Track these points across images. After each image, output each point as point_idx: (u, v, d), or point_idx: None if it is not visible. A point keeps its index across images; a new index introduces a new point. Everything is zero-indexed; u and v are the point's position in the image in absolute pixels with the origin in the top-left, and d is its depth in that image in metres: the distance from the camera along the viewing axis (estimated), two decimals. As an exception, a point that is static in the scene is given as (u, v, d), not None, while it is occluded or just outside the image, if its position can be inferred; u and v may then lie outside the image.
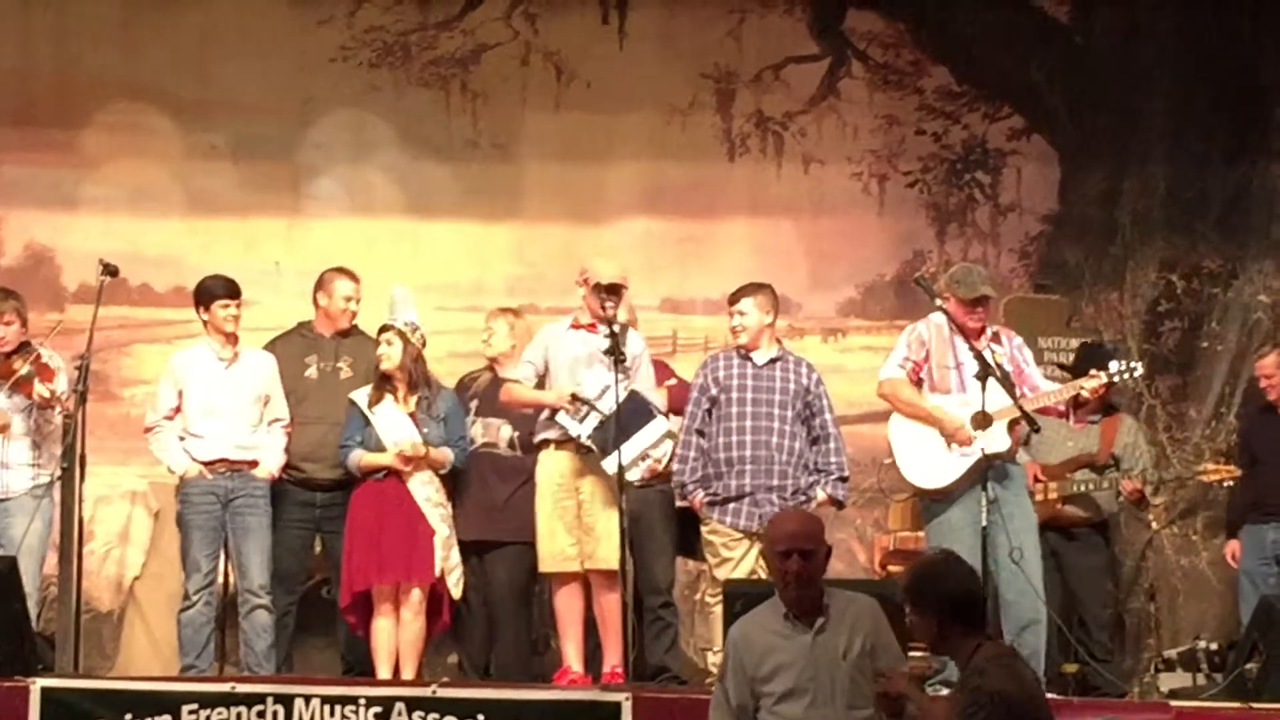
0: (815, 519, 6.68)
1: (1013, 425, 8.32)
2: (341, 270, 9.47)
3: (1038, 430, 8.39)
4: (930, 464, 8.42)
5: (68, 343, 9.31)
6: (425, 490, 8.78)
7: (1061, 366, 10.15)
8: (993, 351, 8.35)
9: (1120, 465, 9.68)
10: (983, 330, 8.44)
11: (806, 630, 6.37)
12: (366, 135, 11.35)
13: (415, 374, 8.88)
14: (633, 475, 8.47)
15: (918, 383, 8.50)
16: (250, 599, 8.83)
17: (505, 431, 9.16)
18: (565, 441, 8.59)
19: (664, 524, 8.96)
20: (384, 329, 8.92)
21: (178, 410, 8.95)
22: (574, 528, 8.56)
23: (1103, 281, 11.23)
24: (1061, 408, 8.69)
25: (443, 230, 11.35)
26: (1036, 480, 9.45)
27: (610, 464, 8.38)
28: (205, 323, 9.02)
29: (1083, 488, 9.58)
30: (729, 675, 6.51)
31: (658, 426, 8.53)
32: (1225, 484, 9.83)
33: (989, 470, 8.19)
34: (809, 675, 6.26)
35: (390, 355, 8.85)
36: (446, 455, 8.86)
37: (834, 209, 11.41)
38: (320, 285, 9.43)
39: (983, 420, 8.24)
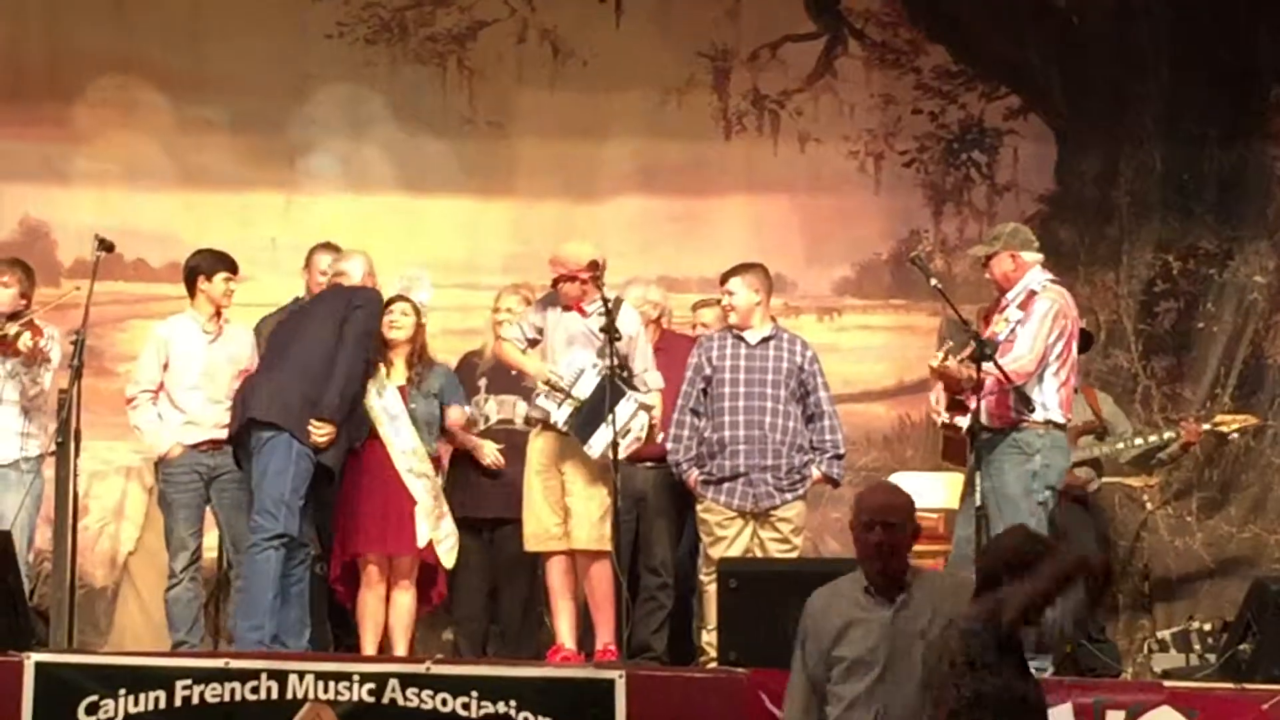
0: (905, 494, 6.42)
1: (952, 406, 8.30)
2: (325, 245, 9.49)
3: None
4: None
5: (63, 317, 9.28)
6: (408, 461, 8.77)
7: None
8: (1003, 320, 8.34)
9: (1111, 432, 9.68)
10: (1003, 293, 8.43)
11: (887, 606, 6.15)
12: (362, 111, 11.32)
13: (415, 349, 8.90)
14: (618, 454, 8.47)
15: None
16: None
17: (521, 408, 9.13)
18: (549, 420, 8.58)
19: (669, 506, 8.97)
20: (397, 299, 8.94)
21: (162, 387, 8.93)
22: (559, 507, 8.54)
23: (1099, 262, 11.21)
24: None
25: (438, 207, 11.34)
26: None
27: (590, 449, 8.38)
28: (197, 293, 8.99)
29: (1089, 452, 9.59)
30: (803, 644, 6.34)
31: (630, 402, 8.50)
32: (1244, 433, 9.86)
33: (982, 439, 8.19)
34: (885, 652, 6.07)
35: (404, 325, 8.90)
36: (461, 417, 8.98)
37: (830, 188, 11.40)
38: (306, 261, 9.49)
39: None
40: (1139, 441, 9.67)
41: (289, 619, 8.43)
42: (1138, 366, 10.88)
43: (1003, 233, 8.59)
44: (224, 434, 8.80)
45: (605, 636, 8.49)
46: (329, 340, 8.58)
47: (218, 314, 9.00)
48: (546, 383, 8.46)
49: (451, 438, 9.08)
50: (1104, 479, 9.93)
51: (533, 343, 8.69)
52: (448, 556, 8.79)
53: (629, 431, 8.45)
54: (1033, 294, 8.37)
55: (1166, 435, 9.75)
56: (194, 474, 8.84)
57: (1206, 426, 9.89)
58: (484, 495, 9.05)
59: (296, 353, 8.59)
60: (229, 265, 9.02)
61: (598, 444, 8.36)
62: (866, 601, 6.20)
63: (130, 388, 9.06)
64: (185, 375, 8.91)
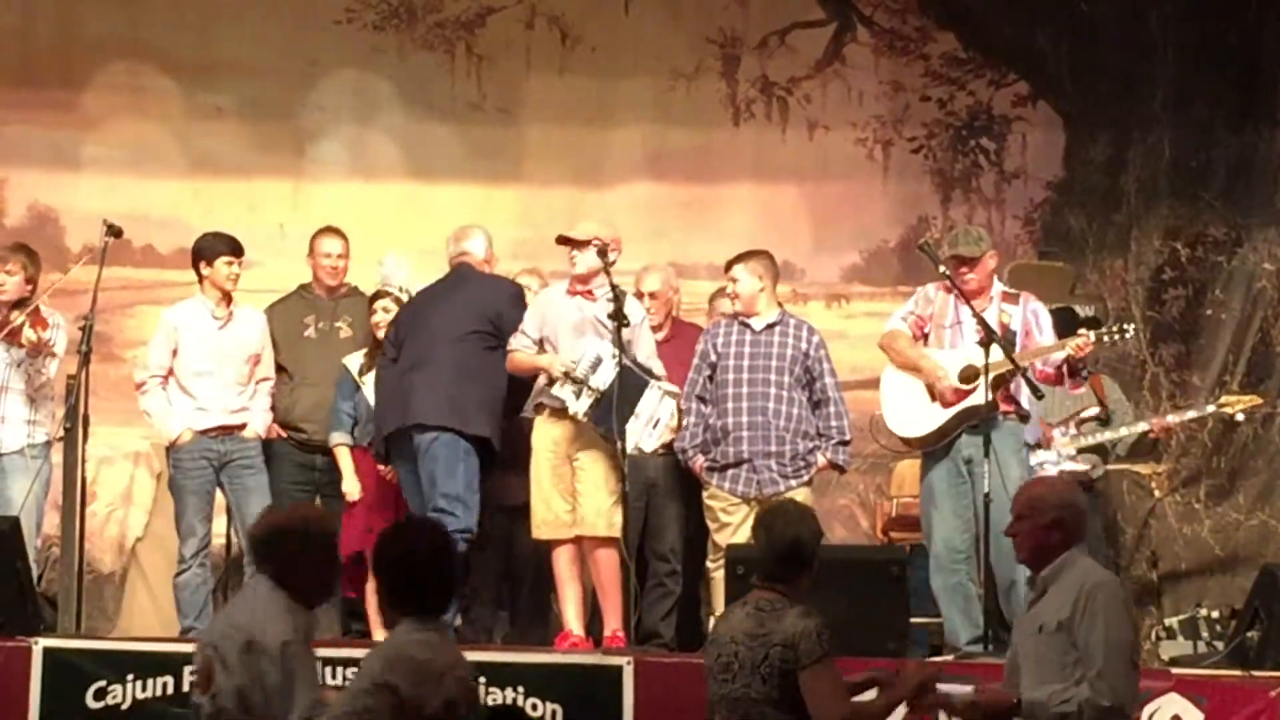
0: (1056, 488, 6.28)
1: (999, 382, 8.24)
2: (328, 229, 9.48)
3: (1039, 395, 8.32)
4: (911, 414, 8.48)
5: (71, 303, 9.30)
6: None
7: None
8: (1001, 312, 8.35)
9: (1113, 421, 9.69)
10: (981, 291, 8.42)
11: (1033, 598, 6.15)
12: (370, 97, 11.35)
13: None
14: (650, 445, 8.51)
15: (922, 338, 8.53)
16: None
17: None
18: (561, 409, 8.56)
19: (679, 493, 8.96)
20: (380, 295, 8.93)
21: (171, 372, 8.92)
22: (569, 494, 8.53)
23: (1107, 249, 11.22)
24: (1049, 371, 8.46)
25: (446, 193, 11.33)
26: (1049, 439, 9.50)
27: (627, 442, 8.34)
28: (203, 278, 8.98)
29: (1093, 438, 9.58)
30: None
31: (654, 391, 8.50)
32: (1248, 415, 9.81)
33: (972, 426, 8.20)
34: (1018, 643, 6.07)
35: (387, 322, 8.85)
36: None
37: (838, 175, 11.42)
38: (310, 246, 9.45)
39: (971, 374, 8.24)
40: (1124, 431, 9.64)
41: None
42: (1145, 353, 10.89)
43: (984, 234, 8.62)
44: (235, 420, 8.84)
45: (614, 623, 8.48)
46: (479, 333, 8.58)
47: (227, 299, 8.99)
48: (565, 373, 8.43)
49: None
50: (1111, 466, 9.91)
51: (539, 344, 8.66)
52: (456, 555, 8.76)
53: (658, 420, 8.46)
54: (1009, 294, 8.50)
55: (1139, 427, 9.70)
56: (203, 460, 8.83)
57: (1210, 409, 9.85)
58: (499, 482, 8.98)
59: (449, 352, 8.52)
60: (231, 248, 8.97)
61: (632, 437, 8.35)
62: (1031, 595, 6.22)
63: (139, 373, 9.06)
64: (195, 360, 8.90)
